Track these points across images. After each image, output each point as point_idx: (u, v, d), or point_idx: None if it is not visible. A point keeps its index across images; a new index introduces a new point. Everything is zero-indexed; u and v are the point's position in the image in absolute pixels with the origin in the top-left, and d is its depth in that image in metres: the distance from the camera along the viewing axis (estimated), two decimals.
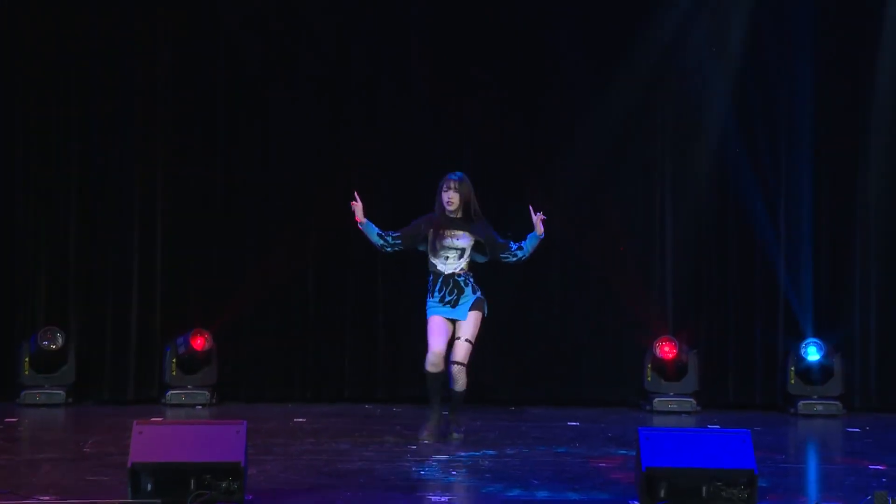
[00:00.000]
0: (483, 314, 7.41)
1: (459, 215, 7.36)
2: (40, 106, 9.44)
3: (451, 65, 9.55)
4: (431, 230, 7.36)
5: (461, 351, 7.31)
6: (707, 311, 9.61)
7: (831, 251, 9.56)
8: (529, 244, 7.39)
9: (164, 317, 9.48)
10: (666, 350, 9.22)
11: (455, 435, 7.44)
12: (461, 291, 7.34)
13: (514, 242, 7.43)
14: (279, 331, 9.59)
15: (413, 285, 9.05)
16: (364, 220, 7.43)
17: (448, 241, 7.33)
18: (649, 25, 9.51)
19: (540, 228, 7.33)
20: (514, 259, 7.44)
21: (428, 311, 7.39)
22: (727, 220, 9.63)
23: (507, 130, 9.57)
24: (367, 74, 9.62)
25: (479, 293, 7.40)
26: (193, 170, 9.56)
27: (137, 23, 9.45)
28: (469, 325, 7.34)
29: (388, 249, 7.50)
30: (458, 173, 7.42)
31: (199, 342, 9.16)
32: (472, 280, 7.40)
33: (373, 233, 7.45)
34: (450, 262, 7.34)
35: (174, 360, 9.21)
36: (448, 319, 7.36)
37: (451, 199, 7.32)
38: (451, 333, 7.38)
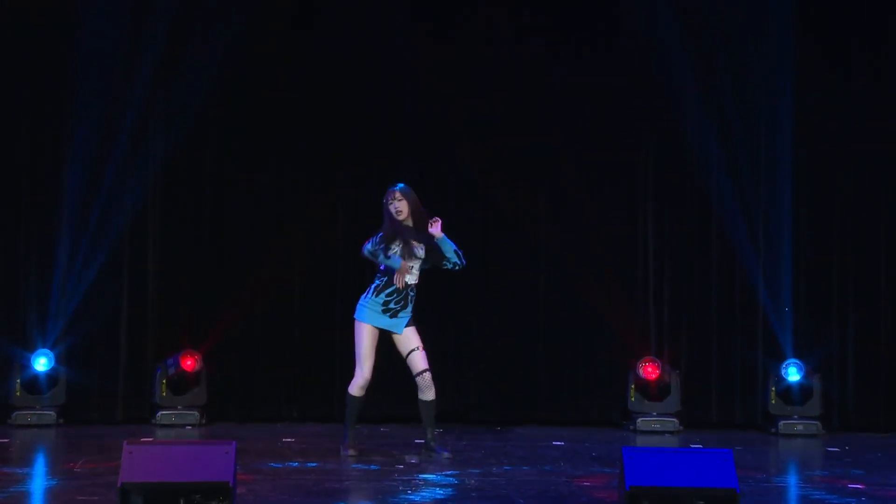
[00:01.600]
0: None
1: (411, 224, 7.37)
2: (30, 126, 9.42)
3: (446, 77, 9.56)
4: (402, 239, 7.33)
5: (422, 359, 7.34)
6: (689, 331, 9.62)
7: (810, 272, 9.58)
8: (444, 249, 7.34)
9: (154, 338, 9.46)
10: (649, 370, 9.23)
11: (445, 455, 7.45)
12: (405, 306, 7.35)
13: (412, 298, 7.38)
14: (267, 352, 9.58)
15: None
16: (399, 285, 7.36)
17: (415, 250, 7.35)
18: (626, 38, 9.57)
19: (436, 231, 7.28)
20: (450, 266, 7.41)
21: (363, 314, 7.34)
22: (709, 241, 9.64)
23: (491, 148, 9.57)
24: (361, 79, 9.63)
25: (412, 310, 7.41)
26: (183, 191, 9.57)
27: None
28: (413, 334, 7.35)
29: (374, 254, 7.42)
30: (400, 184, 7.44)
31: (189, 363, 9.15)
32: (413, 296, 7.39)
33: (383, 260, 7.37)
34: (413, 272, 7.36)
35: (164, 381, 9.19)
36: (378, 329, 7.34)
37: (398, 208, 7.34)
38: (377, 345, 7.37)
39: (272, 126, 9.61)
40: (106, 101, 9.33)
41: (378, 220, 9.06)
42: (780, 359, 9.33)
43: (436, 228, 7.31)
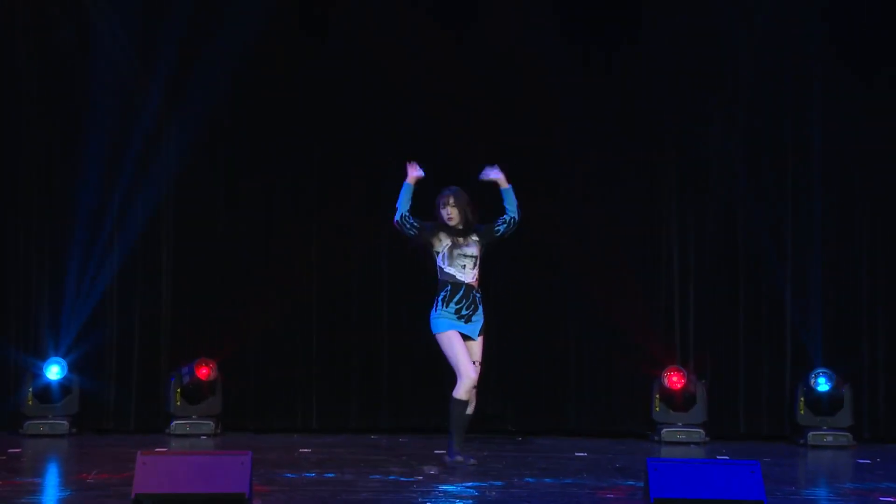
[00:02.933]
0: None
1: (461, 227, 7.41)
2: (42, 133, 9.46)
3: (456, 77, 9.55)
4: (448, 239, 7.39)
5: (478, 373, 7.36)
6: (715, 340, 9.58)
7: (839, 279, 9.53)
8: (507, 199, 7.41)
9: (168, 346, 9.48)
10: (674, 380, 9.19)
11: (471, 461, 7.45)
12: (476, 309, 7.39)
13: (500, 217, 7.44)
14: (284, 361, 9.59)
15: (417, 315, 9.06)
16: (412, 182, 7.38)
17: (464, 250, 7.39)
18: (640, 32, 9.53)
19: (501, 179, 7.37)
20: (506, 226, 7.43)
21: (441, 324, 7.34)
22: (735, 248, 9.61)
23: (504, 150, 9.48)
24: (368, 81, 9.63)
25: (484, 316, 7.46)
26: (197, 198, 9.59)
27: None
28: (480, 347, 7.41)
29: (406, 228, 7.38)
30: (453, 187, 7.45)
31: (204, 372, 9.15)
32: (480, 298, 7.44)
33: (407, 198, 7.37)
34: (467, 271, 7.39)
35: (178, 390, 9.20)
36: (463, 335, 7.37)
37: (450, 214, 7.38)
38: None
39: (286, 132, 9.63)
40: (118, 109, 9.38)
41: (385, 235, 9.14)
42: (808, 368, 9.29)
43: (498, 175, 7.36)
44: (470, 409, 7.39)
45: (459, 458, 7.39)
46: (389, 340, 9.64)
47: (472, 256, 7.42)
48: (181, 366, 9.27)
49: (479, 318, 7.40)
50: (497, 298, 9.48)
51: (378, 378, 9.65)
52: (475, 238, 7.44)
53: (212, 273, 9.57)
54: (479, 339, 7.42)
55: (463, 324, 7.35)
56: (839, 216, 9.57)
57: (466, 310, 7.36)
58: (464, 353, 7.30)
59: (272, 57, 9.53)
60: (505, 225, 7.45)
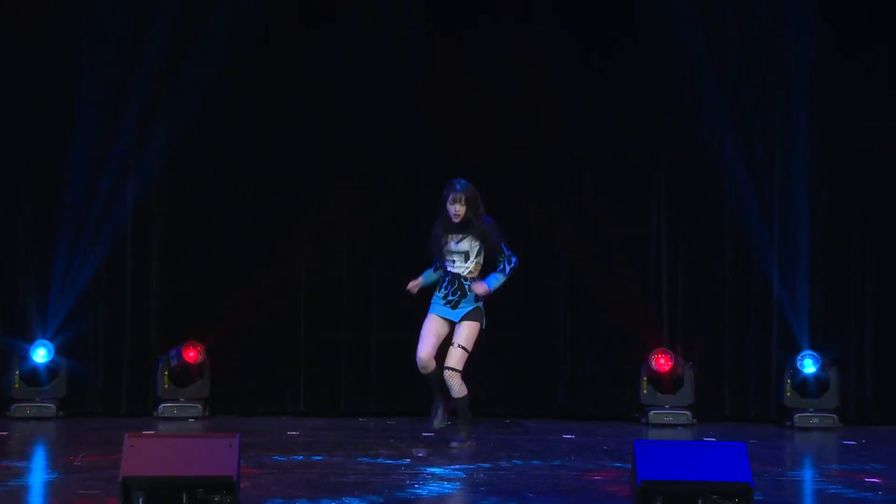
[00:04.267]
0: (481, 325, 7.59)
1: (457, 223, 7.52)
2: (31, 116, 9.44)
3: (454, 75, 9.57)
4: (443, 235, 7.56)
5: (453, 356, 7.48)
6: (702, 322, 9.60)
7: (827, 262, 9.56)
8: (493, 281, 7.59)
9: (157, 329, 9.47)
10: (661, 363, 9.22)
11: (453, 444, 7.52)
12: (463, 295, 7.54)
13: (509, 262, 7.54)
14: (273, 344, 9.58)
15: (408, 297, 9.08)
16: (421, 284, 7.66)
17: (451, 246, 7.54)
18: (638, 31, 9.56)
19: (484, 291, 7.55)
20: (504, 264, 7.57)
21: (431, 307, 7.63)
22: (723, 231, 9.62)
23: (499, 149, 9.57)
24: (366, 79, 9.63)
25: (480, 303, 7.57)
26: (187, 181, 9.57)
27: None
28: (463, 330, 7.52)
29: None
30: (462, 181, 7.53)
31: (192, 355, 9.15)
32: (469, 285, 7.53)
33: (431, 279, 7.67)
34: (457, 265, 7.55)
35: (166, 373, 9.19)
36: (444, 320, 7.57)
37: (457, 212, 7.49)
38: (447, 336, 7.57)
39: (276, 122, 9.60)
40: (110, 92, 9.34)
41: (383, 218, 9.15)
42: (795, 350, 9.32)
43: (482, 290, 7.51)
44: (455, 393, 7.47)
45: (435, 423, 7.64)
46: (380, 323, 9.64)
47: (461, 252, 7.55)
48: (169, 349, 9.26)
49: (465, 305, 7.54)
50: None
51: (368, 360, 9.65)
52: (468, 236, 7.51)
53: (201, 257, 9.55)
54: (464, 324, 7.53)
55: (449, 308, 7.56)
56: (829, 198, 9.57)
57: (453, 295, 7.56)
58: (426, 336, 7.54)
59: (270, 48, 9.51)
60: (504, 263, 7.57)
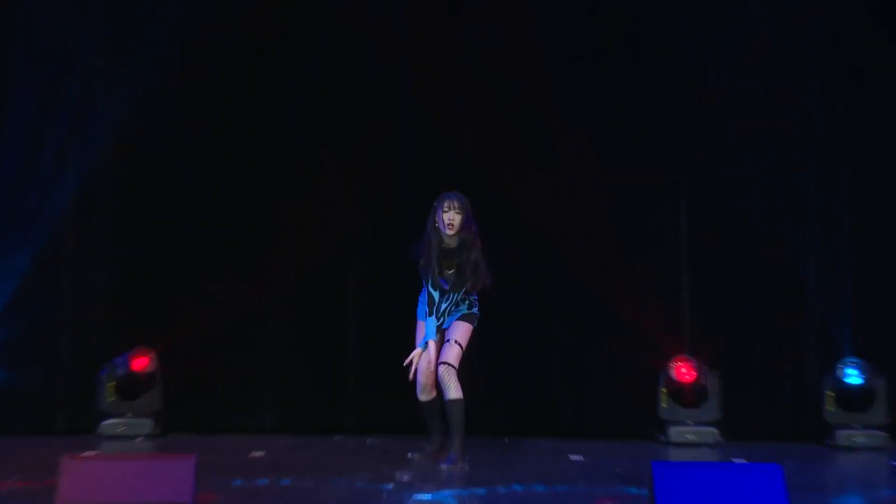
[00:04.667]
0: (473, 326, 7.81)
1: (454, 244, 7.68)
2: None
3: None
4: (435, 261, 7.68)
5: (450, 352, 7.67)
6: (729, 326, 9.62)
7: (871, 259, 9.57)
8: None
9: (100, 334, 9.50)
10: (683, 371, 9.22)
11: (444, 465, 7.57)
12: (456, 306, 7.78)
13: (469, 299, 7.77)
14: (235, 351, 9.61)
15: (386, 303, 9.07)
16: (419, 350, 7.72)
17: (447, 275, 7.73)
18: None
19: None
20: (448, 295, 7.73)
21: (427, 334, 7.72)
22: (751, 224, 9.62)
23: (498, 135, 9.60)
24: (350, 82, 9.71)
25: (475, 309, 7.83)
26: (136, 170, 9.58)
27: None
28: (459, 326, 7.73)
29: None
30: (457, 193, 7.75)
31: (141, 363, 9.17)
32: (472, 298, 7.82)
33: (434, 326, 7.74)
34: (445, 298, 7.74)
35: (111, 384, 9.17)
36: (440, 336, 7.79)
37: (452, 220, 7.67)
38: (436, 354, 7.75)
39: (237, 106, 9.63)
40: (48, 71, 9.36)
41: (361, 211, 9.16)
42: (837, 358, 9.33)
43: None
44: (452, 393, 7.60)
45: (415, 455, 7.83)
46: (357, 329, 9.66)
47: (453, 270, 7.75)
48: (114, 356, 9.25)
49: (458, 312, 7.77)
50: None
51: (343, 371, 9.67)
52: (457, 268, 7.70)
53: (152, 253, 9.57)
54: (458, 322, 7.73)
55: (441, 325, 7.75)
56: (871, 188, 9.59)
57: (447, 315, 7.76)
58: (422, 361, 7.69)
59: (232, 24, 9.59)
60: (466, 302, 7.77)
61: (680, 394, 9.26)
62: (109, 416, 9.19)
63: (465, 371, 9.49)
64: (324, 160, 9.64)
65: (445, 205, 7.68)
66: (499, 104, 9.60)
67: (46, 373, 9.43)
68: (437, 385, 7.71)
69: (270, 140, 9.66)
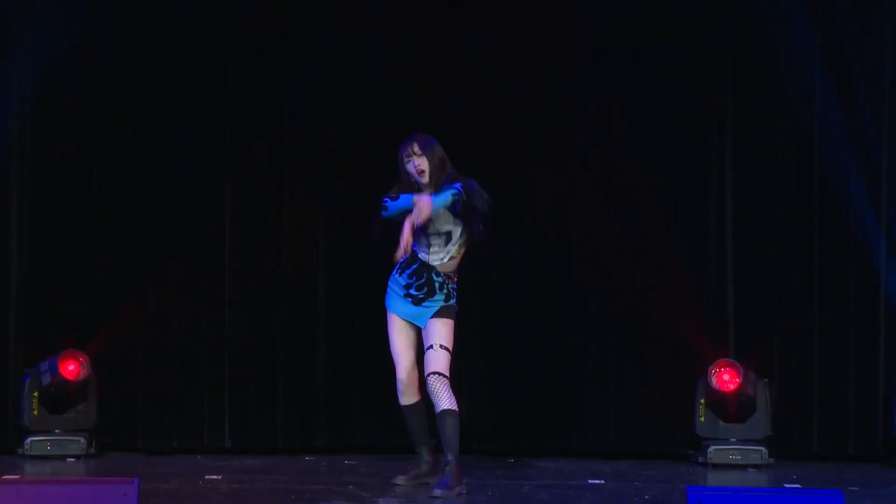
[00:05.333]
0: (454, 321, 7.84)
1: (431, 189, 7.74)
2: None
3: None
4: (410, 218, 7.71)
5: (437, 360, 7.72)
6: (782, 328, 9.67)
7: None
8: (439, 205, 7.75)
9: (20, 335, 9.52)
10: (726, 379, 9.26)
11: (436, 491, 7.60)
12: (431, 293, 7.79)
13: (448, 287, 7.84)
14: (187, 356, 9.65)
15: (363, 299, 9.11)
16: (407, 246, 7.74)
17: (431, 227, 7.78)
18: None
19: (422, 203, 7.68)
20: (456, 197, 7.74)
21: (388, 299, 7.91)
22: (810, 208, 9.67)
23: (507, 100, 9.69)
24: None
25: (452, 301, 7.86)
26: (62, 132, 9.62)
27: None
28: (439, 327, 7.78)
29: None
30: (417, 134, 7.81)
31: (72, 368, 9.17)
32: (451, 285, 7.83)
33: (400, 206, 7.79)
34: (434, 251, 7.81)
35: (35, 395, 9.20)
36: (407, 323, 7.85)
37: (419, 166, 7.75)
38: (414, 339, 7.87)
39: (189, 53, 9.65)
40: None
41: (335, 194, 9.28)
42: None
43: (423, 200, 7.63)
44: (445, 403, 7.66)
45: (400, 480, 7.92)
46: (329, 331, 9.72)
47: (442, 233, 7.79)
48: (39, 360, 9.27)
49: (433, 304, 7.81)
50: (484, 279, 9.57)
51: (315, 381, 9.73)
52: (457, 209, 7.72)
53: (85, 239, 9.60)
54: (438, 322, 7.78)
55: (411, 305, 7.82)
56: None
57: (416, 290, 7.81)
58: (399, 347, 7.91)
59: None
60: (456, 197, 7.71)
61: (722, 405, 9.30)
62: (33, 432, 9.20)
63: (463, 379, 9.59)
64: (297, 131, 9.71)
65: (405, 153, 7.79)
66: (510, 69, 9.66)
67: None
68: (422, 387, 7.81)
69: (223, 110, 9.73)
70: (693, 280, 9.68)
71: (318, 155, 9.73)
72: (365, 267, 9.20)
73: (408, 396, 7.91)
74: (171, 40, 9.65)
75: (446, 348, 7.74)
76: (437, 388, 7.69)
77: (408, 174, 7.80)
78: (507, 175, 9.48)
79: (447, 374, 7.72)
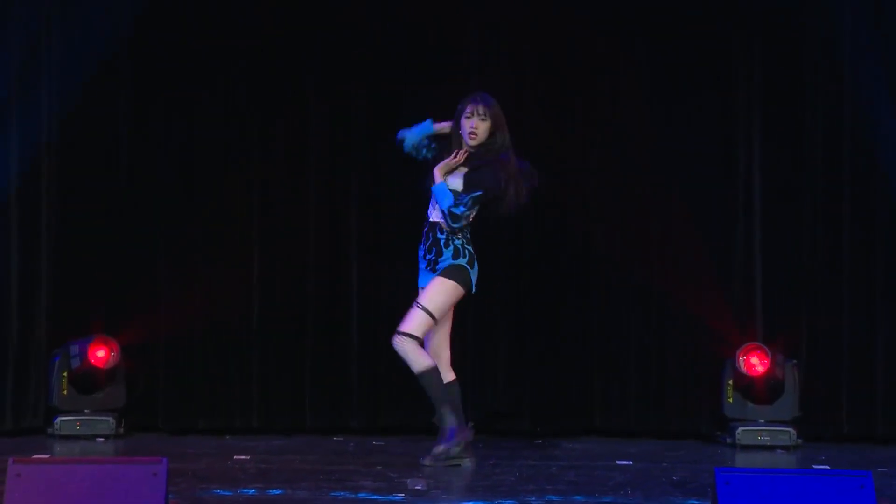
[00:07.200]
0: (460, 285, 7.76)
1: (472, 148, 7.77)
2: None
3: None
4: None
5: (407, 318, 7.76)
6: (811, 307, 9.64)
7: None
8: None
9: (51, 317, 9.53)
10: (754, 361, 9.24)
11: (441, 448, 7.81)
12: (439, 252, 7.78)
13: (454, 243, 7.80)
14: (214, 339, 9.67)
15: (398, 279, 9.09)
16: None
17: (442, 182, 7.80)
18: None
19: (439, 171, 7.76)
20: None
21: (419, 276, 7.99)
22: (840, 178, 9.63)
23: (520, 70, 9.70)
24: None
25: (461, 260, 7.74)
26: (92, 134, 9.64)
27: None
28: (430, 288, 7.79)
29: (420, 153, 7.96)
30: (485, 95, 7.78)
31: (102, 355, 9.20)
32: (457, 241, 7.74)
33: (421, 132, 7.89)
34: (436, 207, 7.80)
35: (65, 375, 9.22)
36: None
37: (475, 127, 7.73)
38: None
39: (219, 47, 9.67)
40: None
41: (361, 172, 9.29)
42: None
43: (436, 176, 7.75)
44: (414, 365, 7.74)
45: (427, 461, 7.87)
46: (359, 313, 9.72)
47: (449, 192, 7.76)
48: (69, 342, 9.29)
49: (442, 264, 7.78)
50: (506, 257, 9.56)
51: (344, 361, 9.73)
52: (464, 171, 7.75)
53: (114, 226, 9.60)
54: (436, 280, 7.77)
55: (429, 272, 7.85)
56: None
57: (429, 253, 7.85)
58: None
59: None
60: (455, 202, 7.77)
61: (750, 387, 9.27)
62: (63, 412, 9.22)
63: (488, 361, 9.58)
64: (325, 107, 9.71)
65: (468, 110, 7.75)
66: (520, 34, 9.68)
67: None
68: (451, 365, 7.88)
69: (247, 103, 9.74)
70: (719, 263, 9.65)
71: (345, 132, 9.69)
72: (397, 243, 9.19)
73: (442, 375, 7.86)
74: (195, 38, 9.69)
75: (425, 309, 7.71)
76: (400, 348, 7.73)
77: (459, 127, 7.76)
78: (530, 154, 9.46)
79: (413, 335, 7.70)
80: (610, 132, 9.72)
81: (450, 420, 7.79)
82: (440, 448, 7.80)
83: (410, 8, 9.64)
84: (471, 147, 7.74)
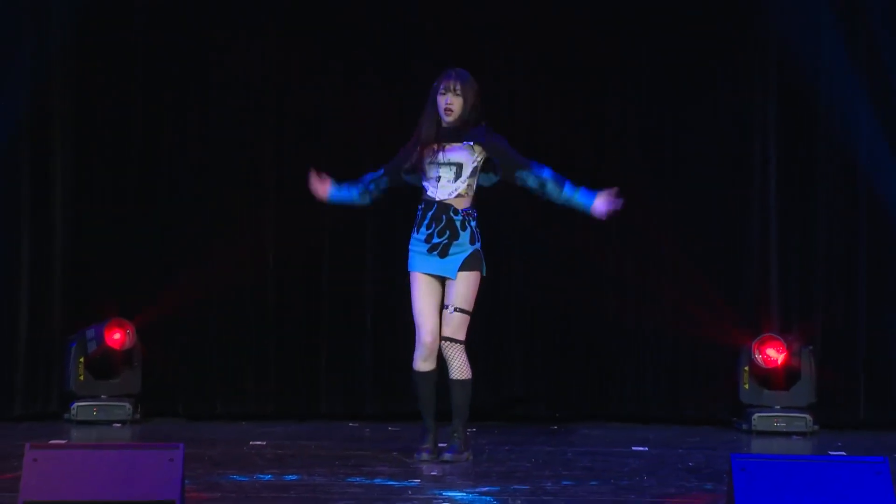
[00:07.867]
0: (480, 272, 7.58)
1: (457, 125, 7.54)
2: None
3: None
4: (419, 148, 7.56)
5: (453, 323, 7.53)
6: (827, 294, 9.64)
7: None
8: (571, 193, 7.56)
9: (65, 300, 9.56)
10: (770, 354, 9.24)
11: (447, 455, 7.61)
12: (455, 235, 7.50)
13: (469, 224, 7.53)
14: (230, 323, 9.68)
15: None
16: (330, 192, 7.74)
17: (440, 156, 7.52)
18: None
19: (602, 207, 7.57)
20: (536, 184, 7.54)
21: (410, 259, 7.62)
22: (856, 166, 9.61)
23: (539, 64, 9.70)
24: None
25: (478, 244, 7.56)
26: (106, 91, 9.64)
27: None
28: (461, 287, 7.51)
29: (370, 198, 7.75)
30: (461, 71, 7.58)
31: (118, 337, 9.21)
32: (472, 223, 7.53)
33: (347, 196, 7.74)
34: (442, 185, 7.52)
35: (82, 360, 9.23)
36: (434, 277, 7.56)
37: (450, 104, 7.50)
38: (440, 298, 7.57)
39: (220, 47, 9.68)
40: None
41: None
42: None
43: (603, 206, 7.61)
44: (457, 373, 7.56)
45: (424, 457, 7.63)
46: (374, 297, 9.73)
47: (451, 164, 7.53)
48: (85, 327, 9.30)
49: (459, 250, 7.50)
50: (522, 243, 9.56)
51: (359, 347, 9.74)
52: (466, 141, 7.53)
53: (128, 212, 9.61)
54: (460, 277, 7.51)
55: (437, 258, 7.52)
56: None
57: (439, 236, 7.51)
58: (424, 308, 7.57)
59: None
60: (535, 181, 7.55)
61: (767, 379, 9.28)
62: (79, 397, 9.24)
63: (503, 347, 9.58)
64: (328, 95, 9.73)
65: (442, 87, 7.53)
66: (543, 32, 9.65)
67: (4, 350, 9.46)
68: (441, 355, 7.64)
69: (271, 72, 9.75)
70: (736, 250, 9.68)
71: (360, 118, 9.68)
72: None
73: (428, 363, 7.62)
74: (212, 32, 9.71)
75: (464, 310, 7.50)
76: (449, 353, 7.55)
77: (435, 105, 7.54)
78: (545, 144, 9.45)
79: (463, 340, 7.53)
80: (610, 132, 9.69)
81: (461, 431, 7.69)
82: (459, 455, 7.64)
83: (410, 8, 9.64)
84: (447, 123, 7.53)
